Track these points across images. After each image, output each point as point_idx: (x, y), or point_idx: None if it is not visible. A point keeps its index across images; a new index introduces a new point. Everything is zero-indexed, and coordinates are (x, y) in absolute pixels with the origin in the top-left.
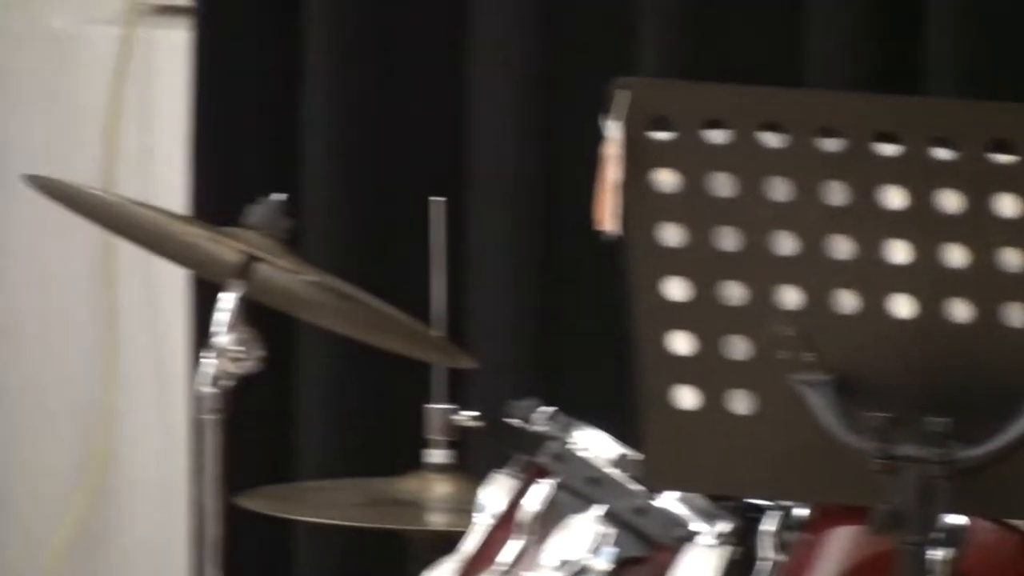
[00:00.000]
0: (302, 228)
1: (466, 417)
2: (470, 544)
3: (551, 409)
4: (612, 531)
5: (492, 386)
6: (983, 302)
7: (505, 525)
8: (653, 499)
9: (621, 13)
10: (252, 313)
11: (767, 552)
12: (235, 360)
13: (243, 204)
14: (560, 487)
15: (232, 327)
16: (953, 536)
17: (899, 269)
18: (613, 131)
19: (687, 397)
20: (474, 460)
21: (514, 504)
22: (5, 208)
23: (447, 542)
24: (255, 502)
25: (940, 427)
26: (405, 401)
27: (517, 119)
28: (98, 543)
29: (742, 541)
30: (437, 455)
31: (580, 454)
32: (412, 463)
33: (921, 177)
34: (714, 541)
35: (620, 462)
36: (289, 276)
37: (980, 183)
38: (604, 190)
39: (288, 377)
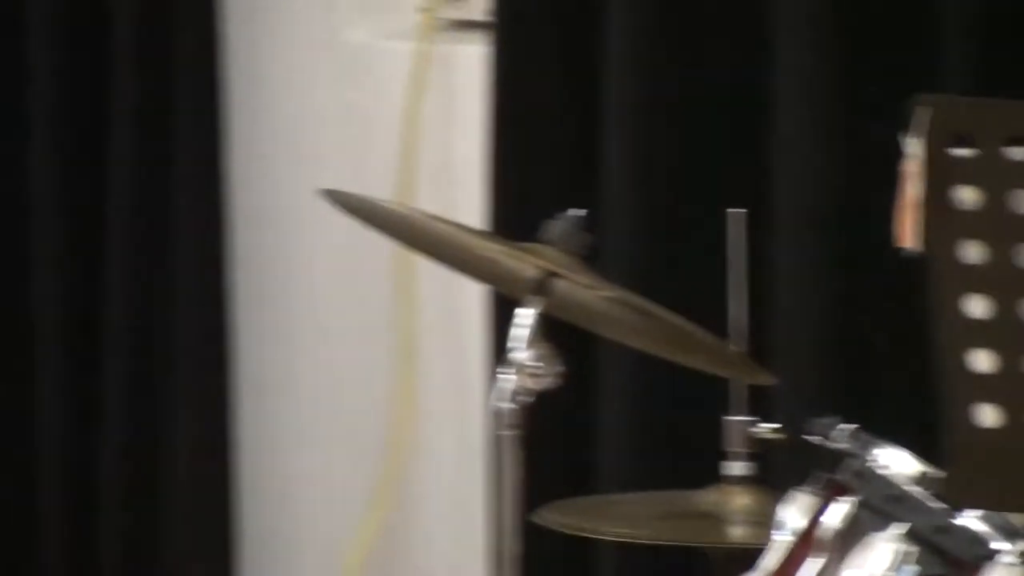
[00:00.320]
0: (600, 243)
1: (766, 429)
2: (770, 561)
3: (852, 426)
4: (913, 549)
5: (793, 401)
6: None
7: (805, 543)
8: (955, 517)
9: (924, 29)
10: (550, 329)
11: None
12: (533, 376)
13: (541, 220)
14: (861, 505)
15: (530, 343)
16: None
17: None
18: (914, 148)
19: (989, 415)
20: (774, 473)
21: (814, 522)
22: (303, 221)
23: (746, 556)
24: (552, 518)
25: None
26: (704, 413)
27: (819, 134)
28: (393, 561)
29: None
30: (736, 467)
31: (881, 472)
32: (711, 476)
33: None
34: (1016, 560)
35: (921, 480)
36: (587, 292)
37: None
38: (905, 207)
39: (586, 392)
